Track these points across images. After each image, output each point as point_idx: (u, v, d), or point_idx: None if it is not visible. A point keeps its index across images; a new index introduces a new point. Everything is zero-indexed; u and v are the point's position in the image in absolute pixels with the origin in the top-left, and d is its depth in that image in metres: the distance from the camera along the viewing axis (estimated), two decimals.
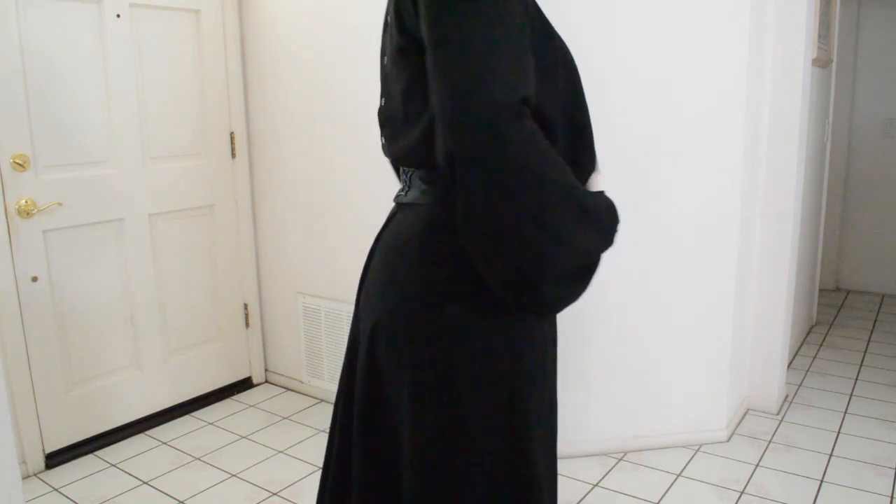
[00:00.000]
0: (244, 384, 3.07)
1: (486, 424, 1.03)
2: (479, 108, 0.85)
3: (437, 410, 1.02)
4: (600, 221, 0.98)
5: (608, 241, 1.00)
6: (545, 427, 1.12)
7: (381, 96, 1.16)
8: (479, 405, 1.02)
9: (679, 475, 2.31)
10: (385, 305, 1.06)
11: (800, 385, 3.01)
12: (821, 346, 3.49)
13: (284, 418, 2.78)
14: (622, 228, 1.03)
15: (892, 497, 2.15)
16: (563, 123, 1.02)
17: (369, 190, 2.59)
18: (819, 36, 2.87)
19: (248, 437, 2.62)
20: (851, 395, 2.90)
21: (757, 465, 2.35)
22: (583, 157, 1.06)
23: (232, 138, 2.89)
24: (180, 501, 2.19)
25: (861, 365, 3.22)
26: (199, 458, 2.46)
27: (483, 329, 1.01)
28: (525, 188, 0.86)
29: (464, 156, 0.86)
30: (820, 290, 4.15)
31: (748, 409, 2.77)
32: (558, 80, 1.01)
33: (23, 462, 2.33)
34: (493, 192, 0.86)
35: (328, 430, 2.64)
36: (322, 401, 2.93)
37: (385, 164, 1.51)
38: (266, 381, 3.14)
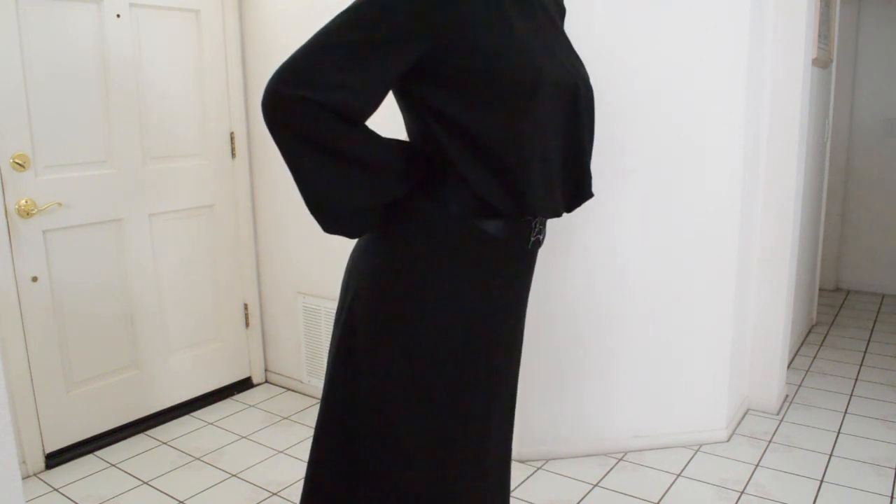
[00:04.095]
0: (244, 384, 3.07)
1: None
2: (270, 91, 1.04)
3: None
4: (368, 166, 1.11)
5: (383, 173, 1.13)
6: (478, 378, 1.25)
7: None
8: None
9: (679, 475, 2.31)
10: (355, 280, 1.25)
11: (800, 385, 3.01)
12: (821, 346, 3.49)
13: (284, 418, 2.78)
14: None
15: (892, 497, 2.15)
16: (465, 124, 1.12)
17: None
18: (819, 36, 2.87)
19: (248, 437, 2.62)
20: (851, 395, 2.90)
21: (757, 465, 2.35)
22: (511, 150, 1.13)
23: (232, 138, 2.89)
24: (180, 501, 2.19)
25: (861, 365, 3.22)
26: (199, 458, 2.46)
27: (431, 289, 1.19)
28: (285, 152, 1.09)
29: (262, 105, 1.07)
30: (820, 290, 4.15)
31: (748, 409, 2.77)
32: (459, 91, 1.10)
33: (23, 462, 2.33)
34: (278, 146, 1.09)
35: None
36: None
37: None
38: (266, 381, 3.14)
